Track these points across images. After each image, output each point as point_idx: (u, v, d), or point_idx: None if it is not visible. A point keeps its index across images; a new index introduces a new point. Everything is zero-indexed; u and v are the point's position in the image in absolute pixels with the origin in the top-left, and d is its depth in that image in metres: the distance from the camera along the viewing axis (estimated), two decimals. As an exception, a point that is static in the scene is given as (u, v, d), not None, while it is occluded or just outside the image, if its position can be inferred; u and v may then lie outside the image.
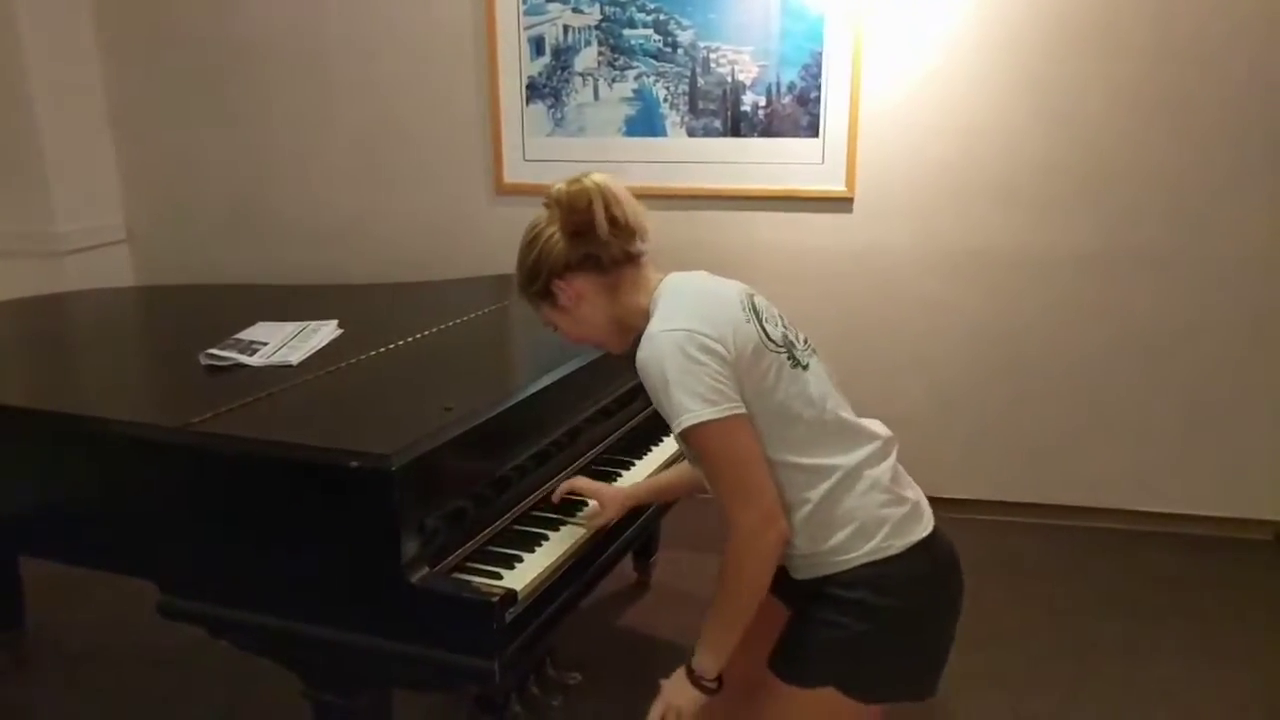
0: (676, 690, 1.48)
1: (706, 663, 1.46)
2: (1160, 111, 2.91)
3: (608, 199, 1.47)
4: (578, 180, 1.50)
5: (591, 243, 1.48)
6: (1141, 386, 3.13)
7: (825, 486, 1.44)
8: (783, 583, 1.51)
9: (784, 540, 1.41)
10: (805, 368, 1.47)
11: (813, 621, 1.48)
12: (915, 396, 3.23)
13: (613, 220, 1.47)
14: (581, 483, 1.83)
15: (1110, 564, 3.02)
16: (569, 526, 1.75)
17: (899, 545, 1.45)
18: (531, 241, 1.52)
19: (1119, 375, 3.13)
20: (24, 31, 3.27)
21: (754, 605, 1.42)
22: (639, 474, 2.01)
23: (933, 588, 1.50)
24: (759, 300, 1.52)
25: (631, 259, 1.51)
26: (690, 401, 1.35)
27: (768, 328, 1.46)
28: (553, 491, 1.84)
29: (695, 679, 1.46)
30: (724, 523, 1.40)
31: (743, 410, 1.39)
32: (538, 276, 1.52)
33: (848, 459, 1.46)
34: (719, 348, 1.38)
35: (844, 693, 1.45)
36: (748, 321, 1.44)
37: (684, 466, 1.82)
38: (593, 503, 1.81)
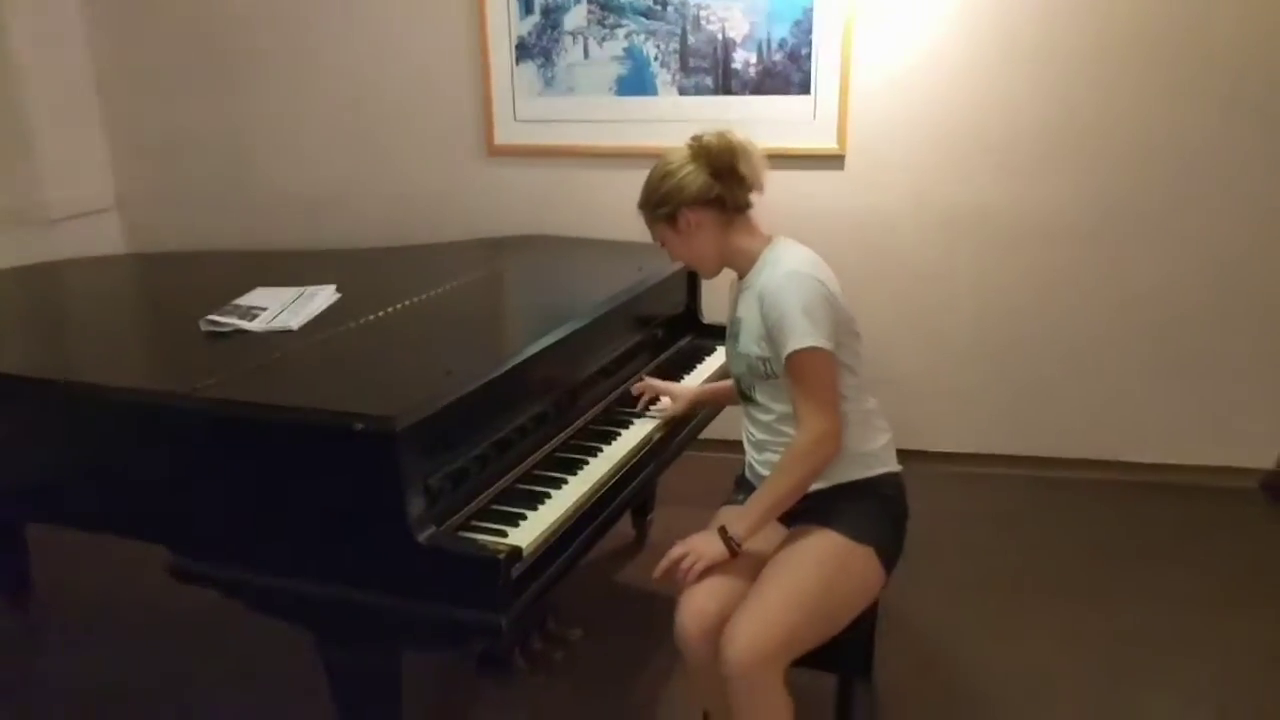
0: (705, 540, 1.73)
1: (742, 527, 1.72)
2: (1154, 75, 2.92)
3: (745, 154, 1.78)
4: (725, 135, 1.80)
5: (723, 186, 1.78)
6: (1126, 339, 3.17)
7: (862, 410, 1.84)
8: (806, 503, 1.79)
9: (837, 453, 1.74)
10: (858, 337, 1.85)
11: (865, 501, 1.81)
12: (909, 353, 3.26)
13: (745, 173, 1.78)
14: (655, 382, 2.18)
15: (1100, 514, 3.08)
16: (571, 483, 1.78)
17: (896, 466, 1.88)
18: (669, 173, 1.80)
19: (1104, 328, 3.17)
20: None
21: (798, 494, 1.74)
22: (637, 432, 2.04)
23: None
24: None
25: (747, 207, 1.84)
26: (813, 329, 1.69)
27: (848, 310, 1.83)
28: (554, 451, 1.90)
29: (725, 537, 1.71)
30: (799, 422, 1.73)
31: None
32: (668, 202, 1.80)
33: (871, 403, 1.88)
34: (838, 305, 1.77)
35: (879, 554, 1.76)
36: (844, 301, 1.81)
37: (722, 384, 2.16)
38: (665, 399, 2.16)
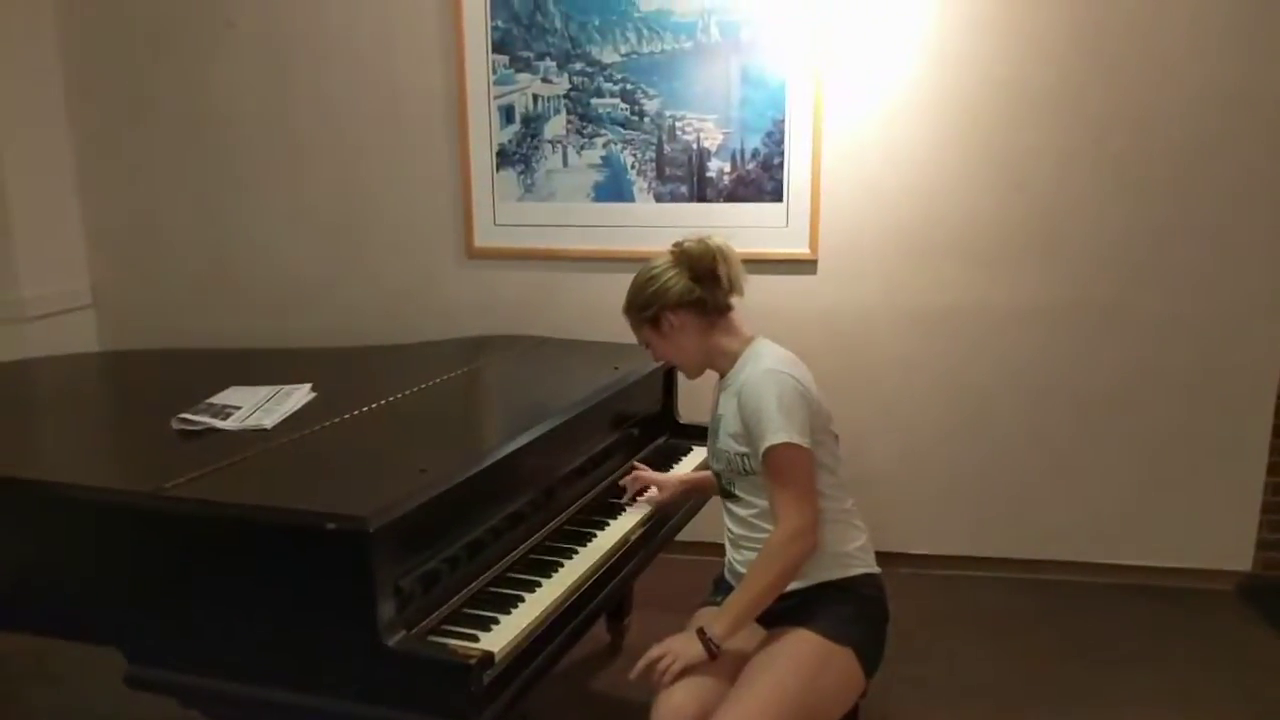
0: (683, 641, 1.73)
1: (720, 628, 1.71)
2: (1106, 171, 3.03)
3: (725, 259, 1.85)
4: (705, 240, 1.88)
5: (704, 289, 1.85)
6: (1103, 440, 3.19)
7: (840, 509, 1.86)
8: (784, 603, 1.78)
9: (814, 549, 1.76)
10: (836, 438, 1.90)
11: (844, 603, 1.81)
12: (885, 454, 3.27)
13: (724, 276, 1.84)
14: (644, 472, 2.22)
15: (1078, 618, 3.05)
16: (546, 586, 1.75)
17: (875, 568, 1.91)
18: (653, 277, 1.88)
19: (1080, 428, 3.20)
20: (-8, 98, 3.29)
21: (776, 592, 1.74)
22: (614, 534, 2.02)
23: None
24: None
25: (728, 309, 1.90)
26: (789, 426, 1.73)
27: (824, 408, 1.88)
28: (528, 553, 1.88)
29: (704, 638, 1.70)
30: (776, 518, 1.75)
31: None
32: (651, 305, 1.87)
33: (849, 503, 1.90)
34: (814, 405, 1.81)
35: (858, 657, 1.78)
36: (820, 400, 1.86)
37: (708, 474, 2.13)
38: (653, 489, 2.19)
